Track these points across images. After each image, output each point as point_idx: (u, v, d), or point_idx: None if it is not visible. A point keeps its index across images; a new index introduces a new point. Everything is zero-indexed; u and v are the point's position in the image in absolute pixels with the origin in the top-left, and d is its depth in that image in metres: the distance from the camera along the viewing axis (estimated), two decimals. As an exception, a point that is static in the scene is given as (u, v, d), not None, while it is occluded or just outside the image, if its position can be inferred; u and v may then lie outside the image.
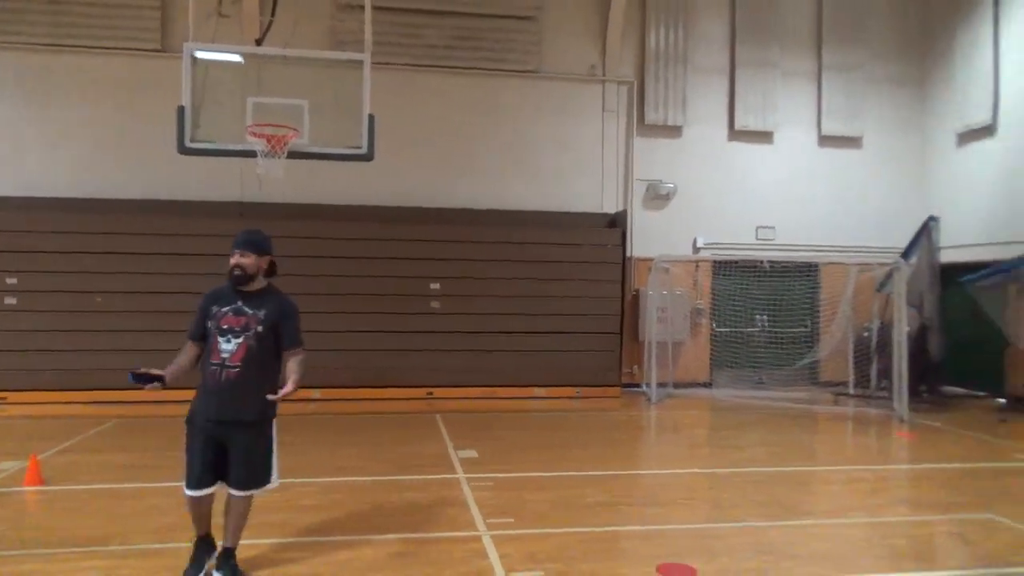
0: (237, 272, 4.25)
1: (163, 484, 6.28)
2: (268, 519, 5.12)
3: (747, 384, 12.95)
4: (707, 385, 13.11)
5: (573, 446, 8.31)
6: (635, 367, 12.80)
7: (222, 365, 4.14)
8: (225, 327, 4.18)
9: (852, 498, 6.44)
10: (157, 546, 4.79)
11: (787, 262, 12.68)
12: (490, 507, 5.73)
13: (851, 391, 12.25)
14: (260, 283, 4.35)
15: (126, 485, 6.34)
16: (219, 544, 4.37)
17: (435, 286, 11.77)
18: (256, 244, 4.30)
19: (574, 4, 12.83)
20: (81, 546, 4.79)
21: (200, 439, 4.20)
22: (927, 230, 11.56)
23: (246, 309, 4.23)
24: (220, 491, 4.28)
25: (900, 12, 13.82)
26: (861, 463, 8.00)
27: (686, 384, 12.87)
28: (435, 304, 11.76)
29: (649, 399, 11.70)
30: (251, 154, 8.12)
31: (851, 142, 13.63)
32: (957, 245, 12.54)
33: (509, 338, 11.88)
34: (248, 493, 4.27)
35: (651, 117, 12.98)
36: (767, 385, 12.98)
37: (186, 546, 4.46)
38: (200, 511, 4.27)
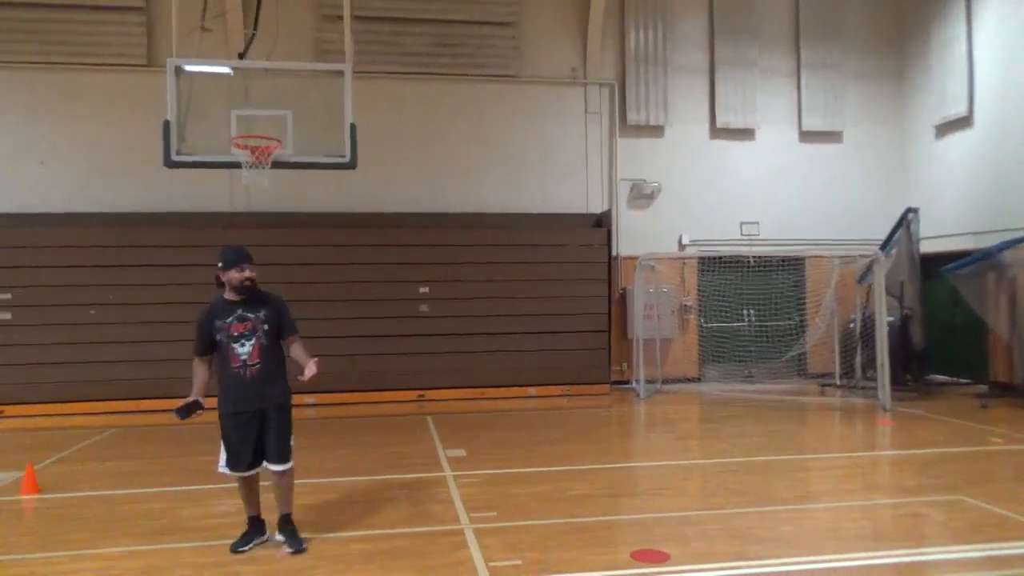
0: (248, 284, 4.79)
1: (159, 489, 6.47)
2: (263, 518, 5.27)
3: (736, 378, 13.15)
4: (696, 380, 13.30)
5: (560, 442, 8.49)
6: (624, 364, 12.99)
7: (244, 365, 4.73)
8: (235, 334, 4.73)
9: (826, 484, 6.63)
10: (150, 547, 4.95)
11: (771, 257, 12.88)
12: (474, 502, 5.91)
13: (837, 382, 12.44)
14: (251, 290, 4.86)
15: (122, 491, 6.51)
16: (261, 519, 5.02)
17: (424, 289, 11.94)
18: (251, 258, 4.83)
19: (552, 8, 13.03)
20: (76, 549, 4.95)
21: (238, 430, 4.79)
22: (906, 222, 11.74)
23: (247, 315, 4.78)
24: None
25: (876, 8, 14.04)
26: (839, 451, 8.20)
27: (676, 380, 13.07)
28: (424, 307, 11.93)
29: (638, 395, 11.88)
30: (236, 165, 8.30)
31: (831, 137, 13.85)
32: (938, 235, 12.74)
33: (499, 339, 12.06)
34: (287, 466, 4.89)
35: (633, 117, 13.17)
36: (756, 379, 13.18)
37: (180, 546, 4.65)
38: (251, 489, 4.93)
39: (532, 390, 12.05)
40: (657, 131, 13.37)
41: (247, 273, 4.75)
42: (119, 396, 10.91)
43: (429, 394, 11.79)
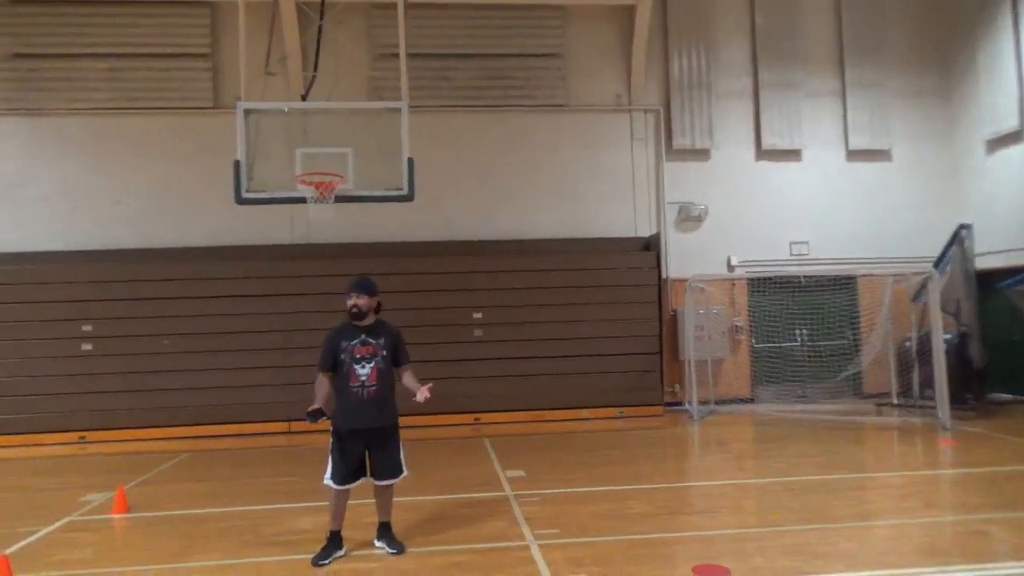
0: (355, 311, 5.31)
1: (239, 508, 6.85)
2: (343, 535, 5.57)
3: (789, 398, 13.10)
4: (749, 400, 13.29)
5: (616, 463, 8.65)
6: (677, 386, 13.08)
7: (363, 386, 5.23)
8: (358, 356, 5.25)
9: (886, 502, 6.65)
10: (236, 561, 5.29)
11: (822, 276, 12.88)
12: (537, 520, 6.12)
13: (894, 401, 12.31)
14: (371, 318, 5.40)
15: (204, 510, 6.90)
16: (341, 535, 5.40)
17: (478, 315, 12.26)
18: (367, 288, 5.37)
19: (596, 39, 13.38)
20: (168, 563, 5.32)
21: (349, 446, 5.24)
22: (959, 238, 11.66)
23: (370, 340, 5.32)
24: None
25: (920, 26, 14.05)
26: (898, 470, 8.17)
27: (728, 400, 13.09)
28: (478, 332, 12.24)
29: (692, 416, 11.94)
30: (301, 200, 8.79)
31: (879, 155, 13.83)
32: (993, 251, 12.59)
33: (551, 362, 12.28)
34: (393, 481, 5.41)
35: (679, 142, 13.38)
36: (810, 398, 13.11)
37: (264, 560, 5.00)
38: (342, 503, 5.33)
39: (585, 412, 12.21)
40: (703, 154, 13.55)
41: (351, 301, 5.31)
42: (190, 422, 11.44)
43: (484, 417, 12.05)
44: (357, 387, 5.22)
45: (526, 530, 5.85)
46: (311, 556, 5.19)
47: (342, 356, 5.25)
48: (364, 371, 5.23)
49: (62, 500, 7.31)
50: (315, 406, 5.16)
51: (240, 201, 8.79)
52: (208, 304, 11.74)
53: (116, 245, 12.27)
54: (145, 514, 6.79)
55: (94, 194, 12.45)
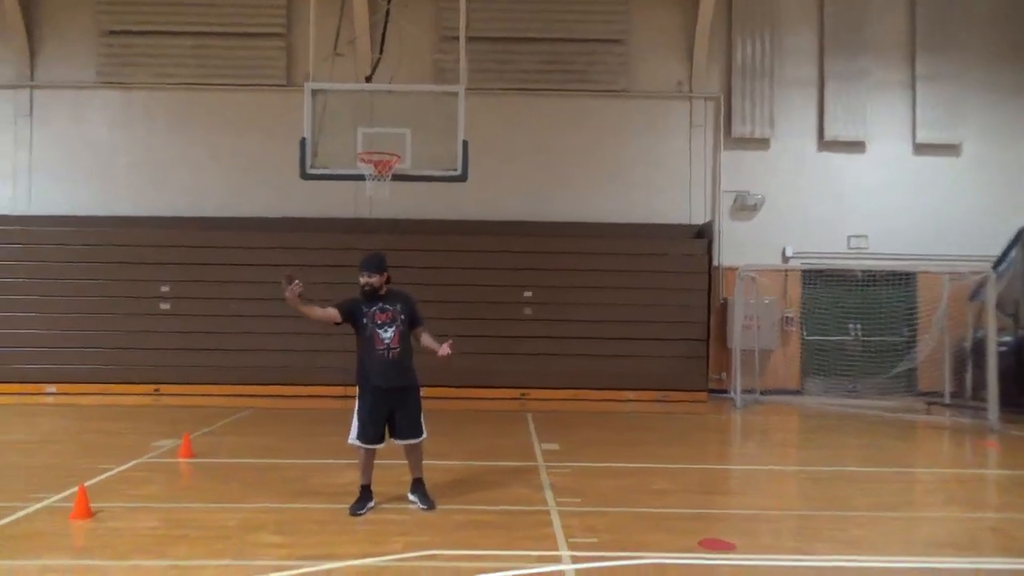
0: (367, 288, 5.66)
1: (291, 460, 7.46)
2: (376, 490, 6.05)
3: (839, 392, 13.04)
4: (797, 392, 13.29)
5: (650, 443, 8.92)
6: (723, 374, 13.19)
7: (388, 348, 5.62)
8: (380, 321, 5.64)
9: (907, 496, 6.75)
10: (285, 505, 5.83)
11: (879, 271, 12.72)
12: (562, 489, 6.47)
13: (947, 401, 12.13)
14: (384, 289, 5.73)
15: (261, 460, 7.55)
16: (371, 488, 5.80)
17: (528, 294, 12.63)
18: (378, 266, 5.69)
19: (660, 25, 13.43)
20: (226, 503, 5.92)
21: (375, 406, 5.63)
22: (1021, 240, 11.34)
23: (387, 307, 5.71)
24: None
25: (998, 18, 13.57)
26: (929, 466, 8.19)
27: (776, 391, 13.12)
28: (528, 311, 12.61)
29: (735, 404, 12.06)
30: (361, 178, 9.29)
31: (948, 150, 13.49)
32: (1061, 254, 12.16)
33: (598, 343, 12.57)
34: (418, 440, 5.81)
35: (738, 130, 13.36)
36: (860, 393, 13.02)
37: (309, 506, 5.58)
38: (370, 461, 5.73)
39: (630, 394, 12.47)
40: (763, 143, 13.49)
41: (363, 279, 5.67)
42: (254, 381, 12.23)
43: (530, 393, 12.45)
44: (383, 350, 5.61)
45: (549, 497, 6.21)
46: (348, 506, 5.69)
47: (364, 320, 5.63)
48: (387, 335, 5.60)
49: (136, 443, 8.07)
50: (299, 287, 5.31)
51: (305, 176, 9.36)
52: (274, 272, 12.38)
53: (194, 212, 13.11)
54: (208, 460, 7.46)
55: (176, 164, 13.31)
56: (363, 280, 5.65)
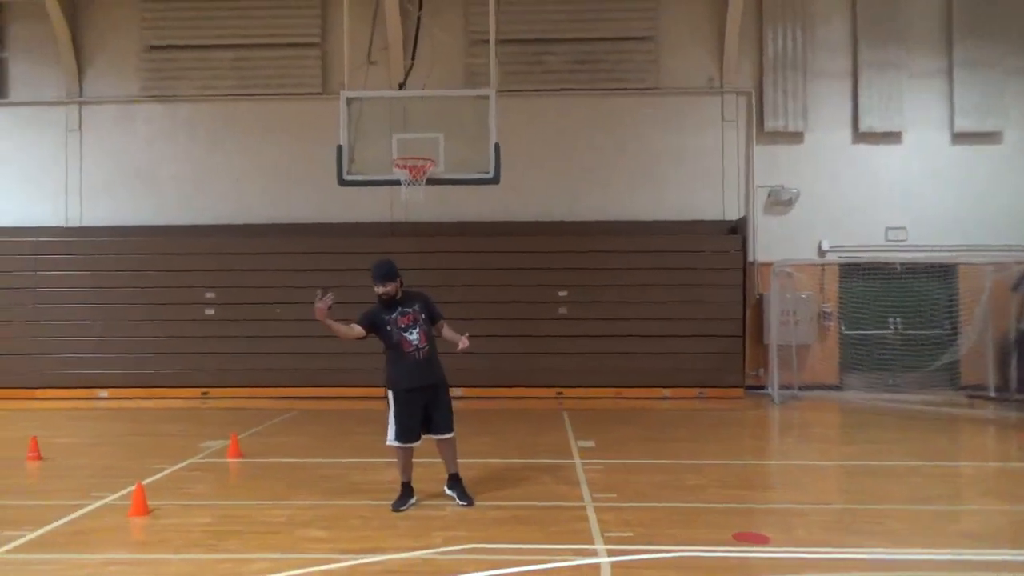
0: (384, 298, 5.86)
1: (334, 460, 7.71)
2: (416, 487, 6.23)
3: (879, 387, 12.88)
4: (836, 387, 13.17)
5: (686, 440, 8.98)
6: (760, 370, 13.14)
7: (416, 349, 5.83)
8: (403, 325, 5.84)
9: (944, 489, 6.70)
10: (329, 502, 6.07)
11: (919, 263, 12.55)
12: (598, 485, 6.59)
13: (991, 394, 11.93)
14: (399, 293, 5.92)
15: (305, 460, 7.81)
16: (412, 485, 6.02)
17: (563, 293, 12.74)
18: (390, 276, 5.84)
19: (689, 21, 13.42)
20: (273, 500, 6.17)
21: (411, 407, 5.83)
22: (1066, 227, 11.12)
23: (407, 309, 5.90)
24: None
25: (1039, 1, 13.25)
26: (968, 460, 8.11)
27: (815, 387, 13.01)
28: (563, 310, 12.73)
29: (773, 400, 12.02)
30: (397, 183, 9.51)
31: (988, 138, 13.23)
32: (1108, 241, 11.89)
33: (634, 341, 12.62)
34: (453, 434, 5.99)
35: (771, 124, 13.29)
36: (901, 388, 12.84)
37: (352, 503, 5.79)
38: (409, 459, 5.94)
39: (666, 391, 12.51)
40: (796, 137, 13.39)
41: (380, 289, 5.82)
42: (297, 383, 12.56)
43: (567, 391, 12.57)
44: (412, 351, 5.81)
45: (585, 492, 6.34)
46: (390, 503, 5.88)
47: (388, 328, 5.82)
48: (414, 336, 5.81)
49: (186, 445, 8.40)
50: (331, 299, 5.60)
51: (342, 183, 9.60)
52: (314, 277, 12.66)
53: (236, 220, 13.50)
54: (255, 460, 7.75)
55: (218, 173, 13.71)
56: (379, 290, 5.82)
